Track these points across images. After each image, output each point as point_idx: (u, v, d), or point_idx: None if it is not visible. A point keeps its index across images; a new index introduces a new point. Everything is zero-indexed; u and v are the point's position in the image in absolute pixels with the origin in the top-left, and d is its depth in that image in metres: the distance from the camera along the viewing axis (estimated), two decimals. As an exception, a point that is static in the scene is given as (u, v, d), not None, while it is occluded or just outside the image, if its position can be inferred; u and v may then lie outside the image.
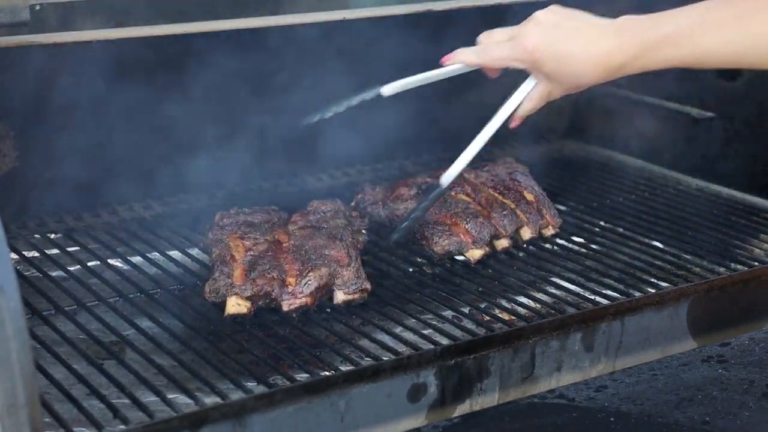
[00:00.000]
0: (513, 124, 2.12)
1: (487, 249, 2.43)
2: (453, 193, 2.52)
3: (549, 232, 2.58)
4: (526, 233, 2.52)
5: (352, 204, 2.57)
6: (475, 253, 2.41)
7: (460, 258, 2.45)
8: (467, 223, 2.42)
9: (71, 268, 2.40)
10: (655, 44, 1.86)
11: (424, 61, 2.28)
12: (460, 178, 2.58)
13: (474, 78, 3.20)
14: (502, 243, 2.47)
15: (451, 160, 3.20)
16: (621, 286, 2.34)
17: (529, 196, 2.58)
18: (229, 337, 2.11)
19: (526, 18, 2.08)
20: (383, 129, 3.04)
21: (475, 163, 2.70)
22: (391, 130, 3.09)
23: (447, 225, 2.42)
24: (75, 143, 2.62)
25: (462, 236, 2.41)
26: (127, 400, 1.84)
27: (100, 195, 2.74)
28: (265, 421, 1.78)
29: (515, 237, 2.52)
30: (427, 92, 3.08)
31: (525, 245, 2.55)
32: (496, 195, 2.55)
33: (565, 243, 2.61)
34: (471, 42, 2.19)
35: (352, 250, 2.25)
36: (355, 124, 2.94)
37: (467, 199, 2.51)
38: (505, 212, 2.49)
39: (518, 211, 2.53)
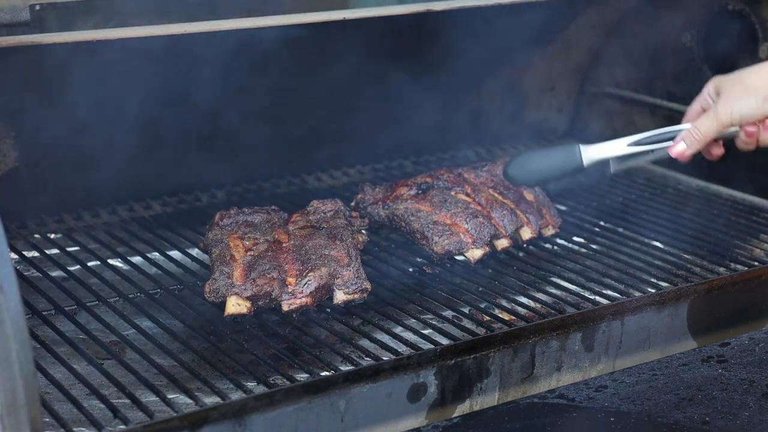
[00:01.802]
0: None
1: (487, 249, 2.42)
2: (453, 193, 2.51)
3: (549, 232, 2.58)
4: (526, 233, 2.52)
5: (352, 204, 2.57)
6: (476, 253, 2.40)
7: (460, 258, 2.45)
8: (467, 223, 2.42)
9: (71, 268, 2.40)
10: None
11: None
12: (459, 178, 2.58)
13: (472, 80, 3.21)
14: (502, 243, 2.46)
15: (450, 161, 3.22)
16: (621, 286, 2.34)
17: (529, 197, 2.58)
18: (229, 337, 2.11)
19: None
20: (383, 129, 3.04)
21: (474, 164, 2.70)
22: (391, 130, 3.09)
23: (447, 225, 2.42)
24: (75, 143, 2.62)
25: (462, 236, 2.40)
26: (127, 400, 1.85)
27: (100, 195, 2.74)
28: (265, 421, 1.78)
29: (515, 237, 2.51)
30: (425, 94, 3.09)
31: (525, 245, 2.55)
32: (496, 195, 2.55)
33: (565, 243, 2.61)
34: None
35: (352, 250, 2.25)
36: (355, 125, 2.94)
37: (467, 199, 2.51)
38: (504, 212, 2.48)
39: (518, 211, 2.52)
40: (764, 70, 2.19)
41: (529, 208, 2.54)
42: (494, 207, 2.49)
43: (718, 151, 2.27)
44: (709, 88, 2.25)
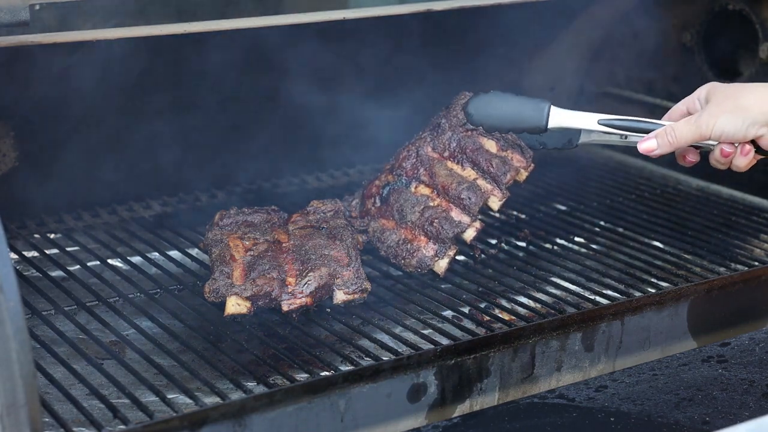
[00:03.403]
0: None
1: (451, 254, 2.36)
2: (413, 188, 2.44)
3: (523, 176, 2.44)
4: (494, 202, 2.41)
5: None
6: (441, 264, 2.36)
7: (461, 258, 2.45)
8: (426, 233, 2.37)
9: (71, 268, 2.40)
10: None
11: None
12: (415, 159, 2.48)
13: (472, 80, 3.20)
14: (470, 234, 2.39)
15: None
16: (621, 286, 2.34)
17: (490, 145, 2.45)
18: (229, 337, 2.11)
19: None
20: (383, 129, 3.04)
21: (434, 115, 2.59)
22: (391, 130, 3.09)
23: (409, 240, 2.37)
24: (75, 143, 2.62)
25: (423, 249, 2.37)
26: (127, 400, 1.84)
27: (101, 195, 2.74)
28: (265, 421, 1.78)
29: (485, 210, 2.43)
30: (425, 93, 3.09)
31: (526, 245, 2.55)
32: (454, 167, 2.44)
33: (565, 243, 2.61)
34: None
35: (352, 250, 2.25)
36: (354, 125, 2.94)
37: (426, 191, 2.42)
38: (464, 195, 2.39)
39: (480, 181, 2.42)
40: (760, 91, 2.02)
41: (490, 168, 2.42)
42: (452, 193, 2.39)
43: (693, 158, 2.12)
44: (701, 92, 2.09)
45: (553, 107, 2.17)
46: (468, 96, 2.45)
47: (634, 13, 3.21)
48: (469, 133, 2.46)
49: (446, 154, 2.47)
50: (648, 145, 2.06)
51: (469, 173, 2.43)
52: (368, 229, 2.43)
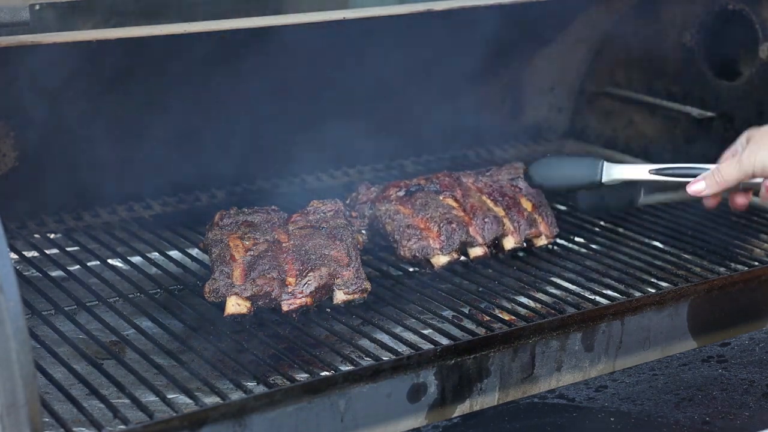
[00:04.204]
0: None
1: (455, 256, 2.38)
2: (441, 197, 2.48)
3: (541, 242, 2.53)
4: (509, 242, 2.48)
5: (347, 201, 2.55)
6: (440, 260, 2.37)
7: (462, 257, 2.45)
8: (439, 228, 2.39)
9: (71, 268, 2.40)
10: None
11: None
12: (455, 182, 2.56)
13: (472, 80, 3.20)
14: (476, 251, 2.42)
15: (450, 161, 3.21)
16: (621, 286, 2.34)
17: (527, 204, 2.55)
18: (229, 337, 2.11)
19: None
20: (383, 129, 3.04)
21: (483, 168, 2.69)
22: (391, 130, 3.09)
23: (420, 229, 2.39)
24: (75, 143, 2.62)
25: (431, 241, 2.37)
26: (127, 400, 1.85)
27: (101, 195, 2.74)
28: (265, 421, 1.78)
29: (497, 245, 2.48)
30: (424, 94, 3.09)
31: (533, 248, 2.55)
32: (488, 201, 2.52)
33: (565, 243, 2.61)
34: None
35: (352, 250, 2.25)
36: (355, 125, 2.94)
37: (453, 203, 2.47)
38: (487, 219, 2.45)
39: (505, 219, 2.48)
40: None
41: (520, 217, 2.50)
42: (478, 213, 2.46)
43: (743, 200, 2.25)
44: (743, 137, 2.23)
45: (606, 162, 2.34)
46: (521, 166, 2.62)
47: (634, 12, 3.21)
48: (514, 187, 2.57)
49: (485, 190, 2.56)
50: (697, 187, 2.22)
51: (499, 210, 2.51)
52: (379, 210, 2.44)
